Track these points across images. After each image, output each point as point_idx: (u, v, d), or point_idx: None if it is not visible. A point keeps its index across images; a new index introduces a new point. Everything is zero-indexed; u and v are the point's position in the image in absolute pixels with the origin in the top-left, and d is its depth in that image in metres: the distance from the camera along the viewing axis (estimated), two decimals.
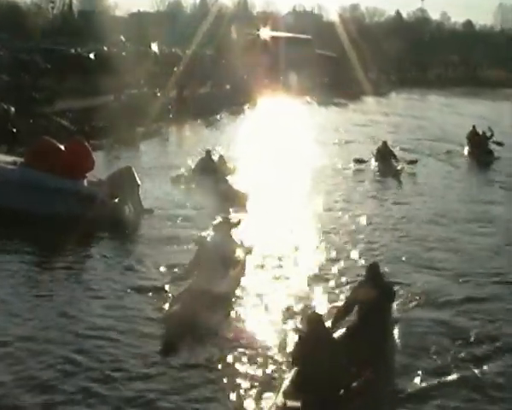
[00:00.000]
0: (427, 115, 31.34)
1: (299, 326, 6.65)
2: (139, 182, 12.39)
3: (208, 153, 15.33)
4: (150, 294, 8.01)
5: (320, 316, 5.91)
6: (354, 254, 9.86)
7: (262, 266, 8.93)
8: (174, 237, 10.55)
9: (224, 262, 7.63)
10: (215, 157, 15.59)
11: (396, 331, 6.97)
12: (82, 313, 7.51)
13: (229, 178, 14.22)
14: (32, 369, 6.24)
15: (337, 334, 6.24)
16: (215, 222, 8.57)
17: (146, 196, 12.84)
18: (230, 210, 11.95)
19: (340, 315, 6.54)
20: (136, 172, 12.61)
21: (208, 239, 8.28)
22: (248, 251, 8.93)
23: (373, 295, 6.41)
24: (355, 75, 39.96)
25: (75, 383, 5.96)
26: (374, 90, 38.43)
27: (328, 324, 6.36)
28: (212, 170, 14.62)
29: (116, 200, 12.04)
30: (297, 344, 5.79)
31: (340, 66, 41.73)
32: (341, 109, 33.94)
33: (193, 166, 15.89)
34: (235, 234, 9.17)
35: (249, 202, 12.80)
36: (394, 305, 7.20)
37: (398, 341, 6.84)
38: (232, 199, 12.74)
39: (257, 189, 13.52)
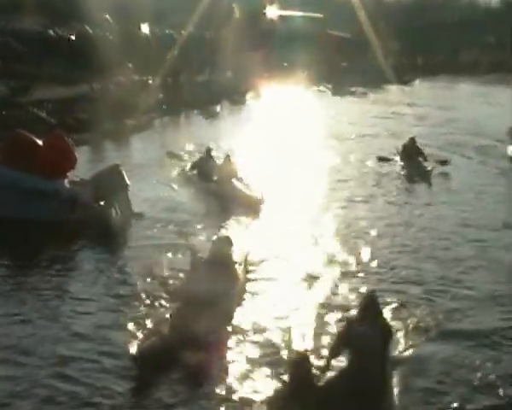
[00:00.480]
0: (458, 106, 31.33)
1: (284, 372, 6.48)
2: (128, 182, 12.53)
3: (209, 151, 15.42)
4: (134, 313, 8.06)
5: (305, 359, 5.87)
6: (372, 270, 9.83)
7: (270, 291, 8.79)
8: (167, 245, 10.61)
9: (218, 295, 7.44)
10: (216, 155, 15.73)
11: (401, 370, 6.75)
12: (56, 333, 7.64)
13: (235, 180, 14.27)
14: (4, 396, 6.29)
15: (328, 378, 6.20)
16: (214, 239, 8.50)
17: (136, 197, 12.99)
18: (241, 217, 12.22)
19: (332, 354, 6.47)
20: (125, 170, 12.75)
21: (203, 262, 8.17)
22: (249, 270, 8.94)
23: (365, 334, 6.27)
24: (374, 60, 39.91)
25: None
26: (396, 77, 38.31)
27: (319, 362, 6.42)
28: (212, 170, 14.73)
29: (102, 203, 12.18)
30: (278, 390, 5.84)
31: (357, 49, 41.52)
32: (359, 99, 33.83)
33: (189, 165, 16.15)
34: (240, 249, 9.24)
35: (263, 208, 12.96)
36: (400, 340, 7.20)
37: (402, 382, 6.56)
38: (244, 204, 12.81)
39: (267, 192, 13.60)
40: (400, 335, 7.41)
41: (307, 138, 20.98)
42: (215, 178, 14.38)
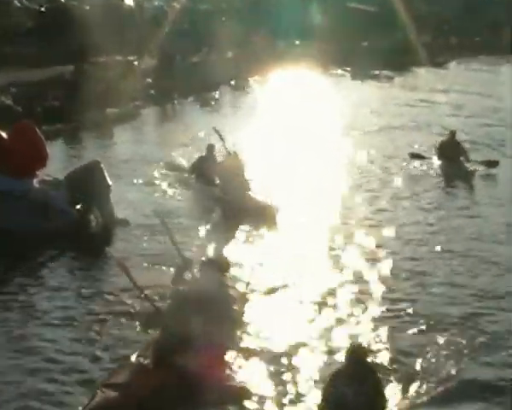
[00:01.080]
0: (501, 93, 31.02)
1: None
2: (110, 182, 12.68)
3: (211, 149, 15.41)
4: (106, 342, 8.20)
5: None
6: (400, 290, 9.99)
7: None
8: (155, 258, 10.75)
9: (200, 334, 7.47)
10: (219, 152, 15.73)
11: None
12: (22, 360, 7.76)
13: (243, 184, 14.35)
14: None
15: None
16: (202, 264, 8.41)
17: (119, 201, 13.12)
18: (251, 230, 12.36)
19: None
20: (106, 168, 12.88)
21: (186, 290, 8.11)
22: (246, 300, 9.02)
23: (345, 400, 6.42)
24: (402, 38, 39.70)
25: None
26: (428, 59, 38.18)
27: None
28: (215, 172, 14.80)
29: (78, 206, 12.30)
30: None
31: (381, 25, 41.47)
32: (384, 84, 33.69)
33: (182, 164, 16.32)
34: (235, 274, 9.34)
35: (277, 220, 13.01)
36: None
37: None
38: (256, 214, 12.91)
39: (280, 198, 13.75)
40: (431, 362, 7.74)
41: (322, 131, 21.15)
42: (218, 181, 14.52)
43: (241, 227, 12.70)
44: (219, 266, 8.55)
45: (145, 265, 10.67)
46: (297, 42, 38.35)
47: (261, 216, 12.85)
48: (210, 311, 7.63)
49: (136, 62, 27.05)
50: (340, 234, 12.24)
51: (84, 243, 11.53)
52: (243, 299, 8.95)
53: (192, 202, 14.33)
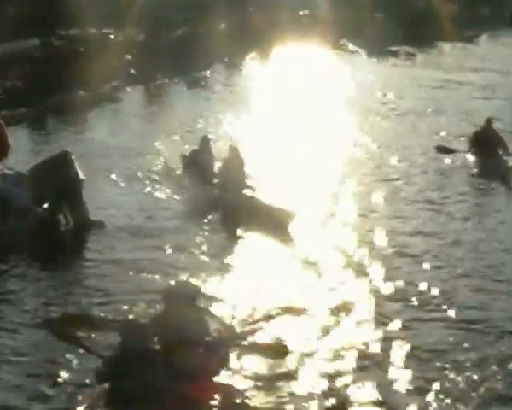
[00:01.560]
0: None
1: None
2: (82, 177, 12.69)
3: (206, 141, 15.36)
4: (77, 366, 8.23)
5: None
6: (426, 310, 10.09)
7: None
8: (135, 263, 10.91)
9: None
10: (215, 145, 15.84)
11: None
12: None
13: (247, 183, 14.38)
14: None
15: None
16: (166, 296, 8.14)
17: (94, 200, 13.11)
18: (258, 237, 12.43)
19: None
20: (79, 160, 12.87)
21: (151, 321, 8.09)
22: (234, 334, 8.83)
23: None
24: (424, 7, 39.35)
25: None
26: (455, 32, 38.08)
27: None
28: (212, 168, 14.83)
29: (45, 206, 12.26)
30: None
31: None
32: (404, 63, 33.73)
33: (169, 157, 16.21)
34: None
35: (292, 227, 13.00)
36: None
37: None
38: (270, 219, 12.87)
39: (291, 200, 13.76)
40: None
41: (332, 118, 21.24)
42: (216, 180, 14.52)
43: (245, 234, 12.77)
44: (186, 296, 8.17)
45: (123, 273, 10.73)
46: (302, 12, 37.94)
47: (274, 222, 12.82)
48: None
49: (112, 35, 27.19)
50: (357, 243, 12.27)
51: (51, 249, 11.53)
52: (231, 330, 8.91)
53: (183, 203, 14.25)
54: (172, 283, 8.49)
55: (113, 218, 13.02)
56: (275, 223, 12.82)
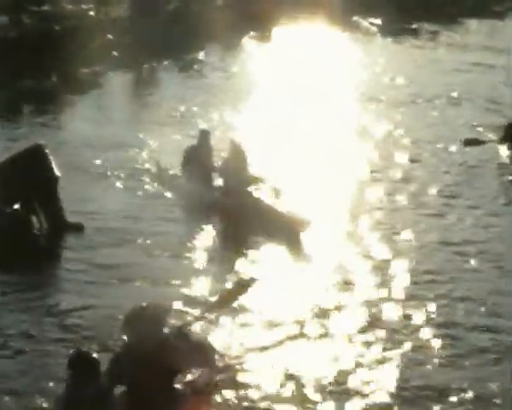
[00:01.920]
0: None
1: None
2: (58, 173, 12.78)
3: (205, 136, 15.37)
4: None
5: None
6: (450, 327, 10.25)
7: None
8: (118, 270, 11.11)
9: None
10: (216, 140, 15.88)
11: None
12: None
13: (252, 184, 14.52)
14: None
15: None
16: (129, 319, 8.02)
17: (72, 198, 13.21)
18: (267, 249, 12.56)
19: None
20: (54, 155, 12.98)
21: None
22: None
23: None
24: None
25: None
26: (481, 7, 37.75)
27: None
28: (209, 166, 14.92)
29: (16, 206, 12.32)
30: None
31: None
32: (425, 43, 33.27)
33: (159, 151, 16.26)
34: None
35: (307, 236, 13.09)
36: None
37: None
38: (279, 225, 13.04)
39: (295, 202, 14.00)
40: None
41: (344, 106, 21.33)
42: (216, 180, 14.63)
43: (249, 243, 12.88)
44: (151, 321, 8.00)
45: (104, 281, 10.94)
46: None
47: (284, 230, 12.98)
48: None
49: (92, 13, 26.96)
50: (382, 255, 12.37)
51: (22, 254, 11.54)
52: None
53: (179, 207, 14.39)
54: (137, 305, 8.12)
55: (93, 220, 13.12)
56: (285, 230, 12.97)
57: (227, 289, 9.68)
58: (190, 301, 10.27)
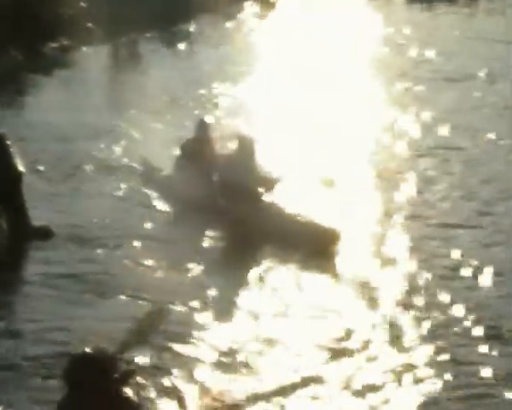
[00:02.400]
0: None
1: None
2: (22, 169, 12.86)
3: (203, 127, 15.19)
4: None
5: None
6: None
7: None
8: (92, 282, 11.24)
9: None
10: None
11: None
12: None
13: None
14: None
15: None
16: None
17: (39, 199, 13.39)
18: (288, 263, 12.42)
19: None
20: (17, 146, 13.03)
21: None
22: None
23: None
24: None
25: None
26: None
27: None
28: (211, 166, 14.55)
29: None
30: None
31: None
32: (461, 9, 33.67)
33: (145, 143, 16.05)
34: None
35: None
36: None
37: None
38: (301, 238, 12.80)
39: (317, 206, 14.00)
40: None
41: (362, 87, 21.51)
42: (220, 183, 14.11)
43: (259, 258, 12.67)
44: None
45: (76, 294, 11.05)
46: None
47: (309, 243, 12.69)
48: None
49: None
50: (426, 274, 12.19)
51: None
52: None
53: (171, 213, 14.29)
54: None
55: (64, 224, 13.12)
56: (310, 244, 12.72)
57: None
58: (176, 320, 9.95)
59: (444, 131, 18.58)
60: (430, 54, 25.68)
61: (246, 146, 14.18)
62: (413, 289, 11.69)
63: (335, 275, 12.28)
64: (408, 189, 15.48)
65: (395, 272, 12.23)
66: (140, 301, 10.61)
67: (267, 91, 20.85)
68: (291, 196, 14.11)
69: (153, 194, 14.81)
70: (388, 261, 12.56)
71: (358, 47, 25.91)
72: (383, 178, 15.94)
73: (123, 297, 10.96)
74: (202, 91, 20.91)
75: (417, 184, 15.66)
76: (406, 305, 11.22)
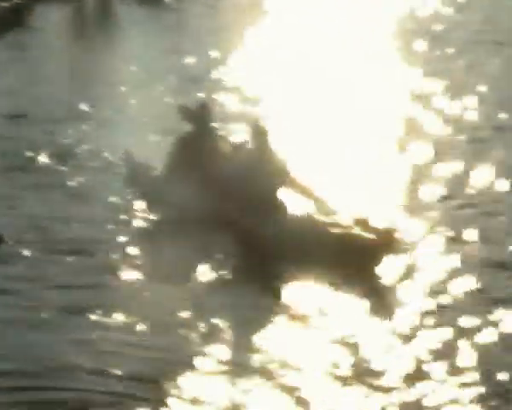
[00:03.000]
0: None
1: None
2: None
3: (205, 113, 13.63)
4: None
5: None
6: None
7: None
8: (45, 295, 10.54)
9: None
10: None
11: None
12: None
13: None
14: None
15: None
16: None
17: None
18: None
19: None
20: None
21: None
22: None
23: None
24: None
25: None
26: None
27: None
28: (216, 166, 13.36)
29: None
30: None
31: None
32: None
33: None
34: None
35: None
36: None
37: None
38: (365, 249, 11.90)
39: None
40: None
41: (380, 51, 21.35)
42: (227, 186, 12.91)
43: (290, 282, 11.35)
44: None
45: (32, 317, 10.12)
46: None
47: (371, 250, 11.80)
48: None
49: None
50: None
51: None
52: None
53: (161, 222, 12.90)
54: None
55: (19, 228, 12.20)
56: (362, 257, 11.62)
57: None
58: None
59: (487, 106, 17.83)
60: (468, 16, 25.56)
61: (261, 138, 12.82)
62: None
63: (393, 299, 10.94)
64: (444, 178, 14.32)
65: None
66: (105, 318, 9.71)
67: (265, 59, 20.48)
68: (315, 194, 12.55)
69: (138, 198, 13.30)
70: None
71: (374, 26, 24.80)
72: (420, 164, 14.86)
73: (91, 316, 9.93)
74: (187, 59, 20.06)
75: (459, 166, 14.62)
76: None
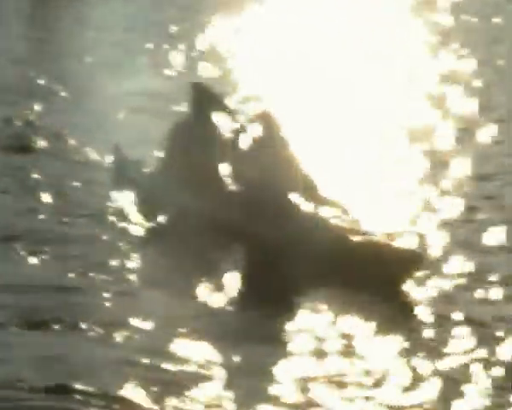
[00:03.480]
0: None
1: None
2: None
3: (201, 95, 13.08)
4: None
5: None
6: None
7: None
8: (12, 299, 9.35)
9: None
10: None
11: None
12: None
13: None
14: None
15: None
16: None
17: None
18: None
19: None
20: None
21: None
22: None
23: None
24: None
25: None
26: None
27: None
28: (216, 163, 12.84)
29: None
30: None
31: None
32: None
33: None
34: None
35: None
36: None
37: None
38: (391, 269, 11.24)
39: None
40: None
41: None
42: (232, 187, 12.61)
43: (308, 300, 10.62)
44: None
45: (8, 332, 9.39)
46: None
47: (397, 271, 11.13)
48: None
49: None
50: None
51: None
52: None
53: (156, 235, 12.09)
54: None
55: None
56: (385, 275, 10.90)
57: None
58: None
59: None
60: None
61: (271, 127, 11.93)
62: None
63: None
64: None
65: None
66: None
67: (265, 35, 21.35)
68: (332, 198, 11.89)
69: (127, 200, 12.51)
70: None
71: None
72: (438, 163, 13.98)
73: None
74: (174, 33, 20.07)
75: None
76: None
